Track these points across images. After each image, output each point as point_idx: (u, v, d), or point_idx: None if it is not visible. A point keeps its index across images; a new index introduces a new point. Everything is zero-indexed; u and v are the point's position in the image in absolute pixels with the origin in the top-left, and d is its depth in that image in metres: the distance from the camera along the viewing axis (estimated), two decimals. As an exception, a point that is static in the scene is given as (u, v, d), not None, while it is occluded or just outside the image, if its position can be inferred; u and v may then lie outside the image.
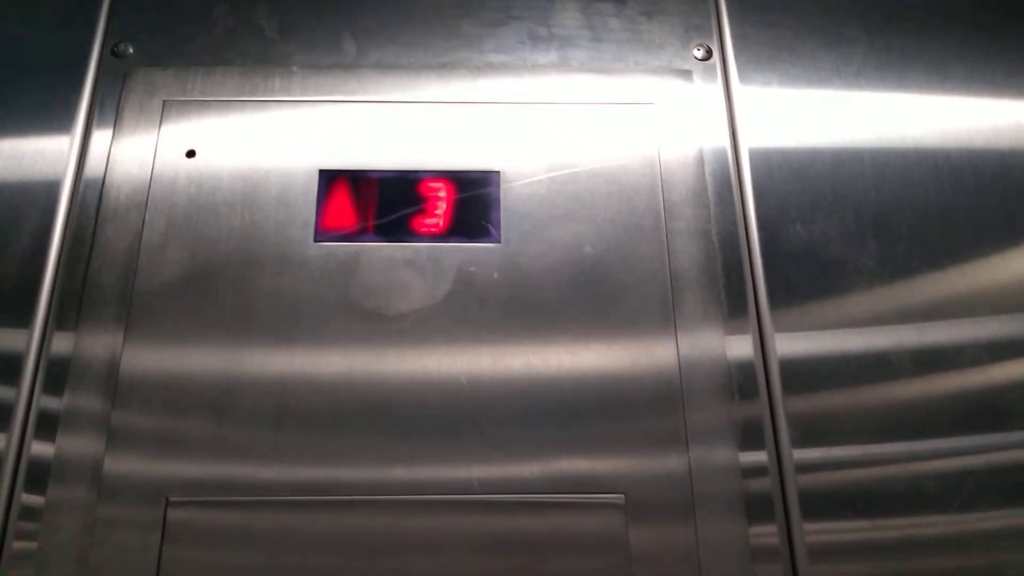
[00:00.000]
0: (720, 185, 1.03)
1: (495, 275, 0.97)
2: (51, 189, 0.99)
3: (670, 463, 0.90)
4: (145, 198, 0.99)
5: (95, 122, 1.04)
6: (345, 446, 0.89)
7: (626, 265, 0.98)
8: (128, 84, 1.06)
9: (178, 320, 0.93)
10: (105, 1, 1.11)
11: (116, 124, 1.03)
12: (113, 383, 0.90)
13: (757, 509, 0.89)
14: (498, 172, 1.02)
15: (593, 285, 0.97)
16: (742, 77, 1.09)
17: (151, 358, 0.92)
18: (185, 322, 0.93)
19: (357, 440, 0.89)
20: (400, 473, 0.88)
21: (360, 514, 0.86)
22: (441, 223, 0.99)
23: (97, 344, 0.92)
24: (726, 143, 1.06)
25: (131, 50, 1.08)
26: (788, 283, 0.98)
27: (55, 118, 1.03)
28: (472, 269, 0.97)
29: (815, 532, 0.88)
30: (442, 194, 1.00)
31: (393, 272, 0.97)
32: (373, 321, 0.94)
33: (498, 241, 0.99)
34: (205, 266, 0.96)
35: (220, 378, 0.91)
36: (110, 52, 1.08)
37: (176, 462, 0.88)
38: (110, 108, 1.04)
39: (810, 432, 0.92)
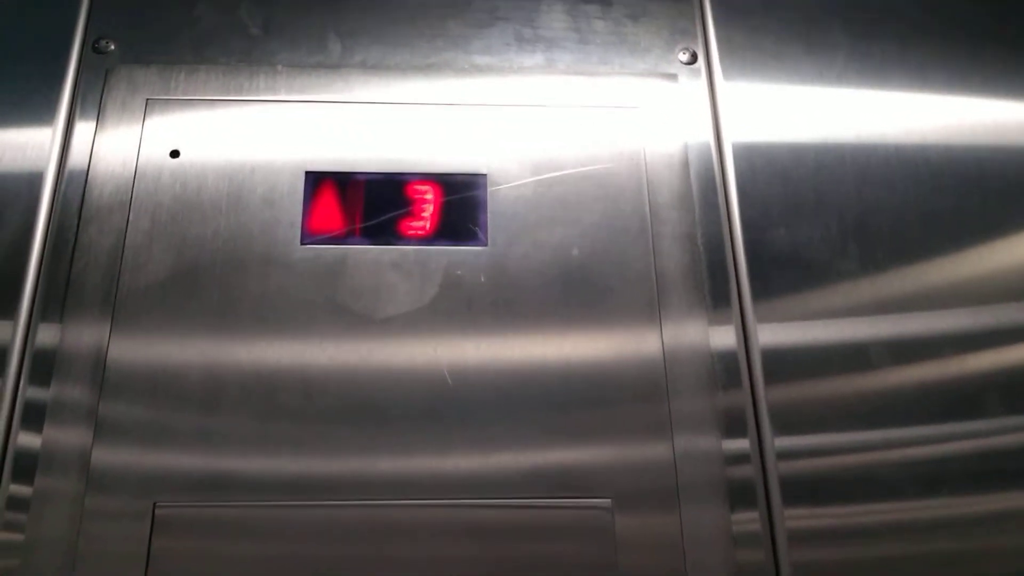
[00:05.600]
0: (705, 188, 1.04)
1: (482, 278, 0.97)
2: (33, 185, 0.98)
3: (655, 452, 0.91)
4: (129, 197, 0.98)
5: (77, 119, 1.02)
6: (332, 445, 0.89)
7: (612, 268, 0.99)
8: (110, 81, 1.04)
9: (163, 320, 0.93)
10: (85, -4, 1.09)
11: (98, 121, 1.02)
12: (100, 375, 0.90)
13: (739, 496, 0.91)
14: (485, 175, 1.02)
15: (579, 287, 0.98)
16: (727, 80, 1.10)
17: (137, 356, 0.91)
18: (171, 322, 0.93)
19: (344, 440, 0.90)
20: (388, 474, 0.89)
21: (347, 516, 0.87)
22: (428, 226, 0.99)
23: (83, 336, 0.92)
24: (711, 146, 1.07)
25: (112, 47, 1.06)
26: (770, 282, 1.00)
27: (37, 113, 1.02)
28: (459, 272, 0.97)
29: (796, 518, 0.90)
30: (429, 196, 1.00)
31: (380, 275, 0.97)
32: (360, 324, 0.95)
33: (485, 244, 0.99)
34: (191, 266, 0.96)
35: (207, 381, 0.91)
36: (91, 48, 1.06)
37: (164, 459, 0.88)
38: (92, 105, 1.03)
39: (791, 420, 0.94)
